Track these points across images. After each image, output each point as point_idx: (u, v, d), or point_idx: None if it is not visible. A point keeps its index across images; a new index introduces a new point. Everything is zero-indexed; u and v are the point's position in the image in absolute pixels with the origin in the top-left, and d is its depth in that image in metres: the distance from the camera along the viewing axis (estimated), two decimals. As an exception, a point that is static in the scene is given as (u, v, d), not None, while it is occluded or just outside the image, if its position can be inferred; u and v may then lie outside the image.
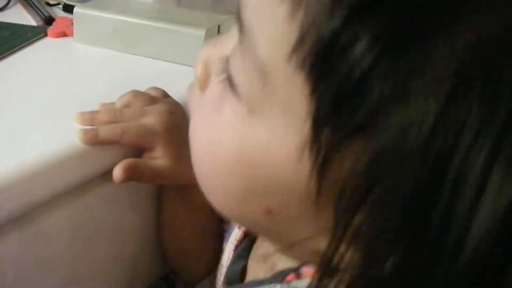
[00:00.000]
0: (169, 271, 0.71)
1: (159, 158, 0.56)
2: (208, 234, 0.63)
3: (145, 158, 0.56)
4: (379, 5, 0.27)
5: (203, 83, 0.39)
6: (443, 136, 0.26)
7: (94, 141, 0.53)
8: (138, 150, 0.56)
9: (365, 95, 0.27)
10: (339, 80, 0.28)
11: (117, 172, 0.53)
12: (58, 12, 0.91)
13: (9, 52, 0.72)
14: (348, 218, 0.29)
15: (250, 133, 0.33)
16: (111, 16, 0.75)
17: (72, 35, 0.78)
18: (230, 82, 0.34)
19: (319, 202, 0.31)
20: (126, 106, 0.58)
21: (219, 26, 0.74)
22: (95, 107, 0.58)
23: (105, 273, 0.61)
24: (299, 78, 0.29)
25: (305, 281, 0.37)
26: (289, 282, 0.39)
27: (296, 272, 0.39)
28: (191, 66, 0.71)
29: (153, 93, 0.61)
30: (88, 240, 0.56)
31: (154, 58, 0.74)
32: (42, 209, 0.51)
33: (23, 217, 0.49)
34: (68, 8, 0.89)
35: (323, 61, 0.28)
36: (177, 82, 0.67)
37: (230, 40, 0.36)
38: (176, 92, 0.62)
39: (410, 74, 0.27)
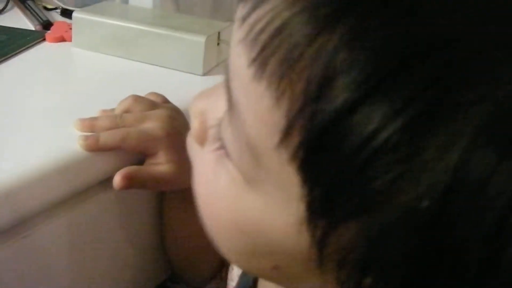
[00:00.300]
0: (166, 278, 0.70)
1: (161, 164, 0.55)
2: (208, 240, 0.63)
3: (147, 164, 0.55)
4: (393, 79, 0.25)
5: (201, 137, 0.37)
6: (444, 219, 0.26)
7: (95, 147, 0.52)
8: (139, 158, 0.56)
9: (366, 184, 0.26)
10: (334, 172, 0.26)
11: (116, 179, 0.52)
12: (56, 16, 0.90)
13: (7, 56, 0.71)
14: (352, 284, 0.29)
15: (247, 202, 0.32)
16: (110, 21, 0.74)
17: (70, 40, 0.77)
18: (225, 149, 0.33)
19: (322, 266, 0.30)
20: (127, 111, 0.57)
21: (219, 33, 0.74)
22: (94, 113, 0.57)
23: (104, 280, 0.60)
24: (290, 166, 0.28)
25: None
26: None
27: None
28: (191, 73, 0.71)
29: (153, 98, 0.60)
30: (87, 247, 0.56)
31: (154, 64, 0.73)
32: (42, 216, 0.50)
33: (23, 224, 0.49)
34: (66, 13, 0.89)
35: (313, 156, 0.27)
36: (176, 88, 0.67)
37: (221, 98, 0.34)
38: (176, 99, 0.62)
39: (418, 152, 0.25)
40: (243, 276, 0.50)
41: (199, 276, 0.65)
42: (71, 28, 0.77)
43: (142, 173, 0.54)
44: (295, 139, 0.27)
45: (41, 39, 0.79)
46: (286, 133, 0.27)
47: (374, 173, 0.25)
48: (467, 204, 0.25)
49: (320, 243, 0.29)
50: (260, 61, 0.27)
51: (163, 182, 0.55)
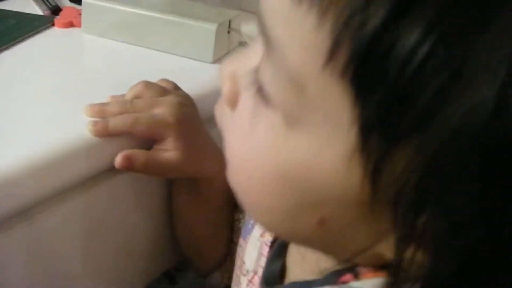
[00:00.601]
0: (170, 267, 0.70)
1: (169, 150, 0.55)
2: (220, 226, 0.63)
3: (155, 150, 0.55)
4: None
5: (232, 99, 0.36)
6: (503, 121, 0.25)
7: (104, 132, 0.52)
8: (149, 144, 0.55)
9: (419, 92, 0.26)
10: (387, 82, 0.26)
11: (118, 159, 0.52)
12: (64, 2, 0.89)
13: (15, 41, 0.71)
14: (410, 220, 0.28)
15: (290, 146, 0.31)
16: (120, 7, 0.74)
17: (79, 25, 0.77)
18: (262, 94, 0.32)
19: (374, 208, 0.30)
20: (137, 97, 0.57)
21: (230, 21, 0.73)
22: (103, 99, 0.57)
23: (109, 267, 0.59)
24: (338, 86, 0.28)
25: (366, 282, 0.35)
26: (345, 283, 0.36)
27: (353, 272, 0.36)
28: (201, 61, 0.71)
29: (164, 85, 0.60)
30: (95, 234, 0.55)
31: (164, 52, 0.73)
32: (49, 202, 0.49)
33: (31, 209, 0.48)
34: (76, -2, 0.88)
35: (364, 66, 0.27)
36: (186, 76, 0.66)
37: (255, 52, 0.35)
38: (186, 87, 0.61)
39: (465, 61, 0.25)
40: (270, 263, 0.48)
41: (205, 264, 0.65)
42: (80, 14, 0.77)
43: (146, 157, 0.54)
44: (343, 54, 0.27)
45: (50, 24, 0.78)
46: (333, 50, 0.27)
47: (425, 82, 0.25)
48: None
49: (373, 175, 0.28)
50: None
51: (168, 168, 0.55)
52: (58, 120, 0.54)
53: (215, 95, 0.66)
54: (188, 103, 0.58)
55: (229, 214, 0.63)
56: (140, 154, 0.53)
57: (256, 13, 0.32)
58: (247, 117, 0.34)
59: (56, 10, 0.83)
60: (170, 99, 0.57)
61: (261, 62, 0.33)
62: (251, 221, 0.55)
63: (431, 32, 0.25)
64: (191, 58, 0.71)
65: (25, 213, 0.48)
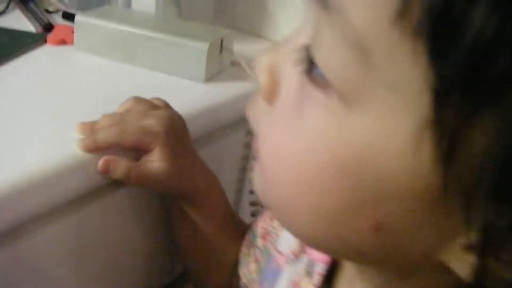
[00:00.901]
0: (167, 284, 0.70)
1: (156, 160, 0.54)
2: (224, 242, 0.62)
3: (141, 161, 0.55)
4: None
5: (271, 92, 0.32)
6: None
7: (93, 146, 0.52)
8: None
9: (501, 53, 0.22)
10: (466, 38, 0.22)
11: (99, 162, 0.52)
12: (57, 19, 0.90)
13: (8, 58, 0.71)
14: (491, 218, 0.24)
15: (347, 130, 0.27)
16: (112, 25, 0.74)
17: (72, 43, 0.77)
18: (311, 75, 0.29)
19: (444, 202, 0.26)
20: (128, 111, 0.57)
21: (222, 40, 0.74)
22: (95, 116, 0.57)
23: (103, 285, 0.59)
24: (409, 47, 0.24)
25: None
26: None
27: None
28: (193, 80, 0.71)
29: (155, 102, 0.60)
30: (86, 252, 0.55)
31: (156, 70, 0.73)
32: (41, 220, 0.49)
33: (25, 226, 0.48)
34: (68, 16, 0.89)
35: (442, 19, 0.23)
36: (178, 95, 0.67)
37: (298, 34, 0.31)
38: (177, 105, 0.62)
39: None
40: None
41: (211, 283, 0.64)
42: (72, 31, 0.77)
43: (129, 165, 0.53)
44: (416, 8, 0.23)
45: (43, 41, 0.78)
46: (405, 4, 0.24)
47: (507, 39, 0.22)
48: None
49: (447, 158, 0.24)
50: None
51: (154, 179, 0.55)
52: (50, 137, 0.54)
53: (206, 114, 0.67)
54: (177, 118, 0.59)
55: (232, 231, 0.62)
56: (122, 162, 0.53)
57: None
58: (292, 106, 0.30)
59: (48, 27, 0.84)
60: (159, 112, 0.57)
61: (314, 34, 0.28)
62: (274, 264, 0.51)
63: None
64: (183, 77, 0.72)
65: (17, 230, 0.48)
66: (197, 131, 0.64)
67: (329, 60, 0.27)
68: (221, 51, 0.74)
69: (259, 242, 0.55)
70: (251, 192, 0.75)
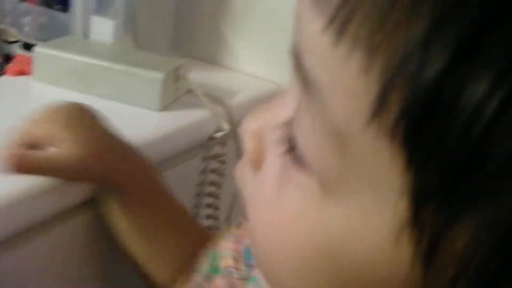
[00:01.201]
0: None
1: (63, 148, 0.52)
2: (164, 233, 0.59)
3: (50, 151, 0.53)
4: (497, 31, 0.21)
5: (257, 160, 0.31)
6: None
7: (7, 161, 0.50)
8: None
9: (487, 155, 0.21)
10: (448, 143, 0.21)
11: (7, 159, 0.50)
12: (17, 50, 0.91)
13: (-34, 89, 0.72)
14: None
15: (327, 217, 0.26)
16: (71, 56, 0.76)
17: (30, 73, 0.78)
18: (294, 154, 0.28)
19: None
20: None
21: (177, 69, 0.76)
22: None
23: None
24: (387, 146, 0.23)
25: None
26: None
27: None
28: (149, 109, 0.73)
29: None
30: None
31: (112, 100, 0.75)
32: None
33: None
34: (28, 47, 0.90)
35: (420, 123, 0.22)
36: (134, 124, 0.68)
37: (285, 103, 0.30)
38: (134, 134, 0.63)
39: None
40: None
41: (160, 279, 0.59)
42: (32, 62, 0.79)
43: (38, 157, 0.51)
44: (393, 107, 0.22)
45: (1, 72, 0.80)
46: (381, 101, 0.22)
47: (497, 141, 0.21)
48: None
49: (428, 255, 0.23)
50: (341, 20, 0.23)
51: (64, 168, 0.52)
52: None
53: (162, 141, 0.69)
54: (80, 106, 0.57)
55: (176, 220, 0.60)
56: (31, 155, 0.51)
57: (290, 49, 0.27)
58: (274, 181, 0.29)
59: (7, 58, 0.85)
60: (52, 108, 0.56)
61: (296, 113, 0.27)
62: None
63: (503, 80, 0.20)
64: (140, 106, 0.74)
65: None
66: (154, 158, 0.65)
67: (309, 144, 0.26)
68: (176, 80, 0.76)
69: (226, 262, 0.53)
70: (208, 217, 0.77)
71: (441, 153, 0.21)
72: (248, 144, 0.32)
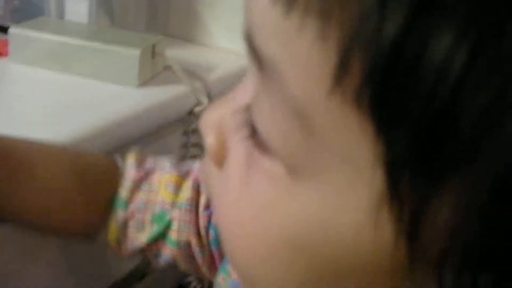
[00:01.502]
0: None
1: None
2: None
3: None
4: None
5: (220, 154, 0.29)
6: None
7: None
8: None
9: (459, 115, 0.19)
10: (416, 105, 0.20)
11: None
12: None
13: None
14: (464, 286, 0.21)
15: (296, 204, 0.24)
16: (47, 36, 0.76)
17: (7, 55, 0.79)
18: (256, 139, 0.26)
19: (414, 275, 0.23)
20: None
21: (153, 46, 0.77)
22: (29, 128, 0.58)
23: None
24: (353, 117, 0.21)
25: None
26: None
27: None
28: (126, 86, 0.74)
29: None
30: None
31: (90, 78, 0.75)
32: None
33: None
34: (3, 29, 0.90)
35: (386, 86, 0.20)
36: (112, 101, 0.69)
37: (244, 89, 0.28)
38: (112, 111, 0.64)
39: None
40: None
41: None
42: (7, 44, 0.79)
43: None
44: (355, 74, 0.20)
45: (-22, 55, 0.80)
46: (342, 68, 0.21)
47: (468, 98, 0.19)
48: None
49: (411, 231, 0.22)
50: None
51: None
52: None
53: (141, 117, 0.70)
54: None
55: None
56: None
57: (243, 32, 0.25)
58: (240, 172, 0.27)
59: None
60: None
61: (255, 97, 0.26)
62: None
63: (468, 30, 0.19)
64: (117, 83, 0.74)
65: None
66: (133, 134, 0.66)
67: (269, 126, 0.25)
68: (153, 57, 0.77)
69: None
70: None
71: (410, 117, 0.20)
72: (208, 138, 0.29)
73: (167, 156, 0.56)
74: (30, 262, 0.57)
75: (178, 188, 0.50)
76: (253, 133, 0.26)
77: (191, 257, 0.51)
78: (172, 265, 0.52)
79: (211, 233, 0.50)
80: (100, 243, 0.55)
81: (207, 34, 0.97)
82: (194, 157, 0.77)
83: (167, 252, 0.51)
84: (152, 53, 0.76)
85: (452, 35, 0.19)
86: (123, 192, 0.50)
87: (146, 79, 0.76)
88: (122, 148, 0.58)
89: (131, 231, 0.51)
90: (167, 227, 0.50)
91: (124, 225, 0.50)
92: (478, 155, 0.20)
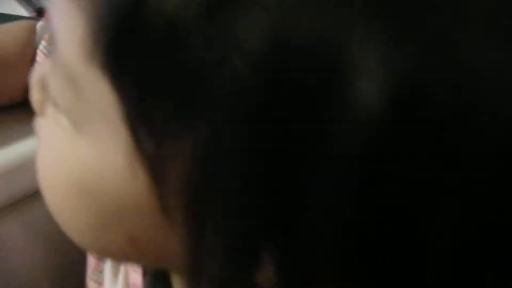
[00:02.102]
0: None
1: None
2: None
3: None
4: None
5: (41, 108, 0.32)
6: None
7: None
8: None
9: (179, 68, 0.21)
10: (141, 59, 0.22)
11: None
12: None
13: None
14: (196, 233, 0.24)
15: (78, 152, 0.28)
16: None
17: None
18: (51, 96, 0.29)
19: (170, 219, 0.26)
20: None
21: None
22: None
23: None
24: (100, 76, 0.24)
25: None
26: None
27: None
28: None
29: None
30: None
31: None
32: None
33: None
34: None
35: (113, 45, 0.23)
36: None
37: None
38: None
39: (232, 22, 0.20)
40: None
41: None
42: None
43: None
44: (91, 35, 0.23)
45: (35, 25, 0.78)
46: (87, 32, 0.23)
47: (187, 52, 0.21)
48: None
49: (157, 177, 0.24)
50: None
51: None
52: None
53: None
54: None
55: None
56: None
57: None
58: (47, 123, 0.31)
59: (41, 12, 0.84)
60: None
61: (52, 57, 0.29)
62: None
63: None
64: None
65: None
66: None
67: (52, 86, 0.28)
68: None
69: None
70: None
71: (134, 71, 0.22)
72: (33, 94, 0.33)
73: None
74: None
75: None
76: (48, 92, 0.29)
77: None
78: None
79: None
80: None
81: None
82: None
83: None
84: None
85: None
86: None
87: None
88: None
89: None
90: None
91: None
92: (201, 104, 0.21)
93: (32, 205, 0.53)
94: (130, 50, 0.22)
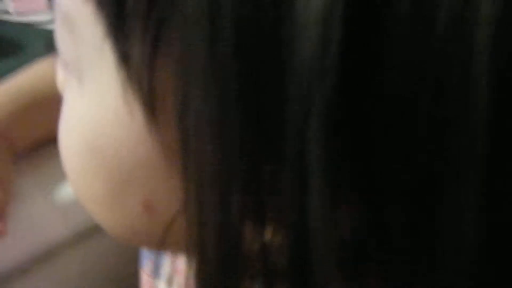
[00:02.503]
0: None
1: None
2: None
3: None
4: None
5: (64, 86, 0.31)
6: None
7: None
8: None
9: None
10: None
11: None
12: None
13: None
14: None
15: (84, 106, 0.26)
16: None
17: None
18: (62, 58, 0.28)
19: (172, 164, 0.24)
20: None
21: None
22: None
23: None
24: (91, 8, 0.23)
25: None
26: None
27: None
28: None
29: None
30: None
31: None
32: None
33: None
34: None
35: None
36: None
37: None
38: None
39: None
40: None
41: None
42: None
43: None
44: None
45: None
46: None
47: None
48: None
49: (150, 120, 0.23)
50: None
51: None
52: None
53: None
54: None
55: None
56: None
57: None
58: (66, 94, 0.29)
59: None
60: None
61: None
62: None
63: None
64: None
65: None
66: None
67: (57, 38, 0.27)
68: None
69: None
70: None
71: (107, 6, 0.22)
72: (58, 73, 0.31)
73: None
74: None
75: None
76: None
77: None
78: None
79: None
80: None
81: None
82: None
83: None
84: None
85: None
86: None
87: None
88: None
89: None
90: None
91: None
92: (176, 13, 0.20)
93: (88, 241, 0.54)
94: None
